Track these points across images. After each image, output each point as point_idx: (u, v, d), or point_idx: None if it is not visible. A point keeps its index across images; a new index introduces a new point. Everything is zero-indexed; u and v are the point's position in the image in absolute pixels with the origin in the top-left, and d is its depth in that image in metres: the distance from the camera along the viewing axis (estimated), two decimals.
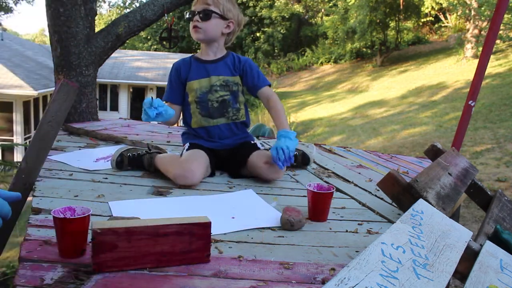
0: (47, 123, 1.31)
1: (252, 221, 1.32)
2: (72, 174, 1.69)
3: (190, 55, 2.06)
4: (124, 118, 3.90)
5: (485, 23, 16.12)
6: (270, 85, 1.99)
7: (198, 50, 2.09)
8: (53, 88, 6.70)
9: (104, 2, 35.71)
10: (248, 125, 2.05)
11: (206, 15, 1.85)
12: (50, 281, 0.87)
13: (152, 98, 1.73)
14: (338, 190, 1.78)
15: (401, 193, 1.34)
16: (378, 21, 22.39)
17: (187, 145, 1.92)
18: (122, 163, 1.78)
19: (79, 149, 2.15)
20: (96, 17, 3.21)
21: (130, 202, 1.41)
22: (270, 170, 1.76)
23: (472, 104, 2.41)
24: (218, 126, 1.94)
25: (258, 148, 1.91)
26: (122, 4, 30.97)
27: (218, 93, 1.92)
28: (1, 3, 22.02)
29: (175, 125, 2.41)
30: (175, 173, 1.65)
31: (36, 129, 1.34)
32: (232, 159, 1.88)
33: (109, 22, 3.39)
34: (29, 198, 1.38)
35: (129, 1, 30.04)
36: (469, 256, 1.04)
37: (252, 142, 1.98)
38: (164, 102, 1.86)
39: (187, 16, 1.91)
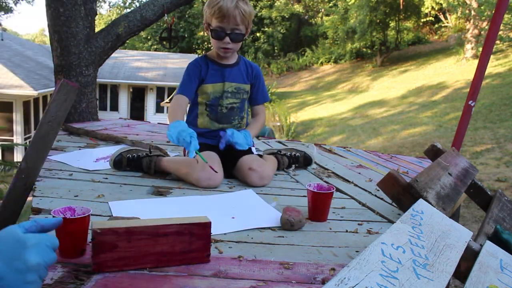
0: (47, 123, 1.31)
1: (252, 221, 1.32)
2: (72, 174, 1.69)
3: (192, 55, 2.05)
4: (124, 118, 3.91)
5: (485, 23, 16.12)
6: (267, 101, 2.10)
7: (198, 51, 2.09)
8: (53, 88, 6.70)
9: (104, 2, 35.79)
10: None
11: (237, 37, 1.83)
12: (50, 281, 0.86)
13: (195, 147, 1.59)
14: (338, 190, 1.78)
15: (401, 193, 1.34)
16: (378, 21, 22.41)
17: None
18: (121, 163, 1.78)
19: (79, 149, 2.15)
20: (96, 17, 3.21)
21: (130, 202, 1.41)
22: (254, 176, 1.74)
23: (472, 104, 2.41)
24: (221, 130, 1.94)
25: (252, 153, 1.92)
26: (122, 4, 31.01)
27: (229, 100, 1.93)
28: (1, 3, 22.03)
29: None
30: (199, 176, 1.66)
31: (36, 129, 1.34)
32: (226, 158, 1.88)
33: (109, 22, 3.39)
34: (29, 198, 1.38)
35: (129, 1, 30.07)
36: (469, 256, 1.04)
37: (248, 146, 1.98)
38: (179, 94, 1.87)
39: (215, 31, 1.81)
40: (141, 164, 1.78)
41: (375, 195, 1.76)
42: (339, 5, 25.40)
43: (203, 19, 1.91)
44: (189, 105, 1.97)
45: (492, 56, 5.22)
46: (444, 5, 19.36)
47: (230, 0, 1.75)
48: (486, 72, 2.51)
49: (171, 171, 1.78)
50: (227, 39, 1.82)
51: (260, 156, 1.95)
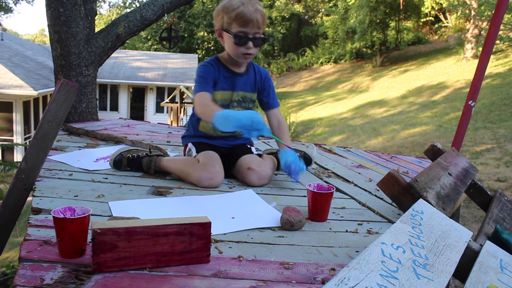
0: (47, 123, 1.31)
1: (252, 221, 1.32)
2: (72, 174, 1.69)
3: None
4: (124, 118, 3.91)
5: (485, 23, 16.13)
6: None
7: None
8: (53, 88, 6.70)
9: (104, 2, 35.80)
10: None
11: (260, 41, 1.78)
12: (50, 281, 0.87)
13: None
14: (338, 190, 1.78)
15: (401, 193, 1.34)
16: (378, 21, 22.40)
17: (190, 144, 1.91)
18: (121, 163, 1.78)
19: (79, 149, 2.15)
20: (96, 17, 3.21)
21: (130, 202, 1.41)
22: (252, 176, 1.73)
23: (472, 104, 2.41)
24: (223, 137, 1.93)
25: (251, 152, 1.91)
26: (122, 4, 31.02)
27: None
28: (1, 3, 22.04)
29: (175, 124, 2.40)
30: (200, 176, 1.65)
31: (36, 129, 1.34)
32: (226, 158, 1.87)
33: (109, 22, 3.39)
34: (29, 198, 1.38)
35: (129, 1, 30.07)
36: (469, 256, 1.04)
37: (248, 146, 1.98)
38: (201, 92, 1.78)
39: (238, 36, 1.73)
40: (141, 164, 1.78)
41: (375, 195, 1.76)
42: (339, 5, 25.40)
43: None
44: (193, 107, 1.93)
45: (492, 56, 5.22)
46: (444, 5, 19.36)
47: (250, 4, 1.70)
48: (486, 72, 2.52)
49: (171, 171, 1.78)
50: (250, 44, 1.76)
51: (260, 156, 1.94)
